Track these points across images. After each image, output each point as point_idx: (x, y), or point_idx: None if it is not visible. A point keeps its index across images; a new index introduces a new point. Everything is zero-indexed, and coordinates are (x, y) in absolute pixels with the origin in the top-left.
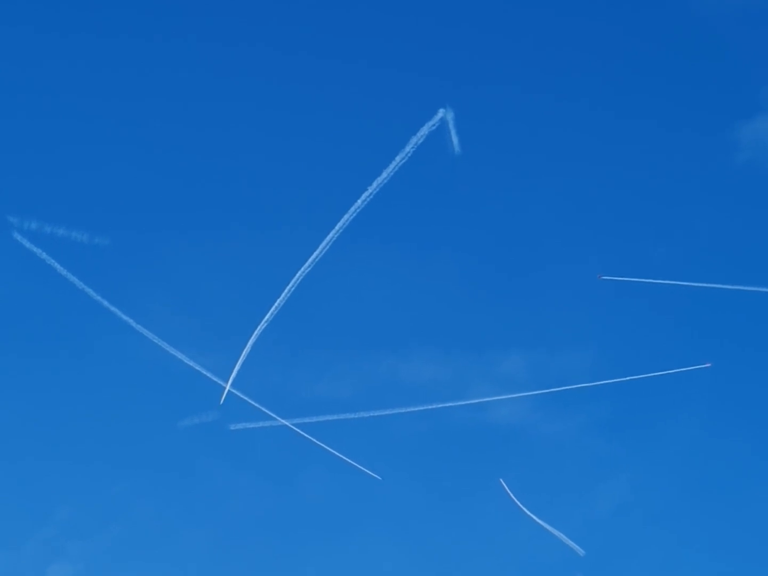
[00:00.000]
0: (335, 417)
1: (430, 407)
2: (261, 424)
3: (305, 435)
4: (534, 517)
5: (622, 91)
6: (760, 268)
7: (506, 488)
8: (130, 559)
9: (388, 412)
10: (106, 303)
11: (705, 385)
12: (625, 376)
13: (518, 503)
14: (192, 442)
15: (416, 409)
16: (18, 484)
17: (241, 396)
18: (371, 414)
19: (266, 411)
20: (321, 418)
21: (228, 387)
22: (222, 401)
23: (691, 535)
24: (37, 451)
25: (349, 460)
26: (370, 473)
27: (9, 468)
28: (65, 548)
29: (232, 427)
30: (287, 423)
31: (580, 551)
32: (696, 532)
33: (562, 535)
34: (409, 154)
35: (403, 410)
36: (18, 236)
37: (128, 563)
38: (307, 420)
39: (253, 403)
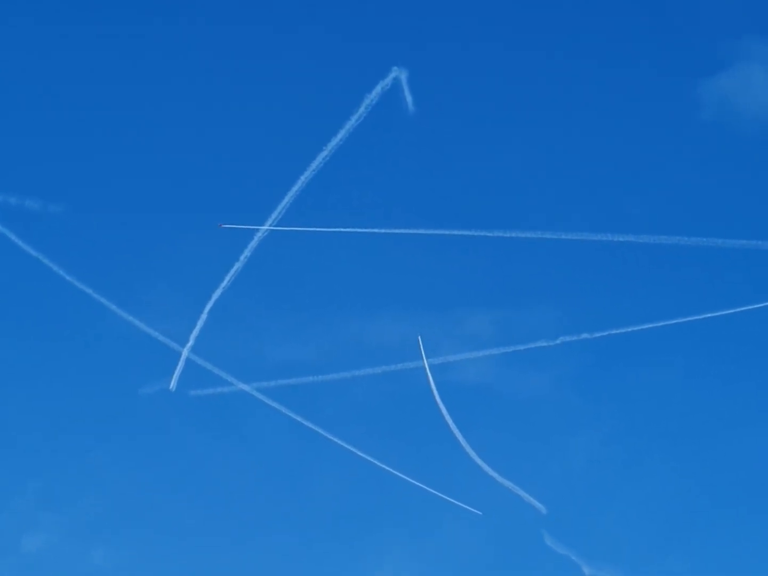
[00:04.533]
0: (300, 380)
1: (396, 368)
2: (220, 389)
3: (265, 399)
4: (495, 475)
5: (579, 49)
6: (726, 222)
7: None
8: (104, 528)
9: (354, 373)
10: (62, 272)
11: (675, 338)
12: (594, 332)
13: (481, 462)
14: (155, 409)
15: (382, 370)
16: None
17: (200, 361)
18: (337, 376)
19: (225, 376)
20: (285, 382)
21: (185, 353)
22: (179, 370)
23: (662, 487)
24: (3, 423)
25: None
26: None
27: None
28: (38, 519)
29: (192, 393)
30: (246, 387)
31: (542, 509)
32: (667, 484)
33: (524, 492)
34: (363, 115)
35: (369, 371)
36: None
37: (102, 533)
38: (272, 383)
39: (211, 368)
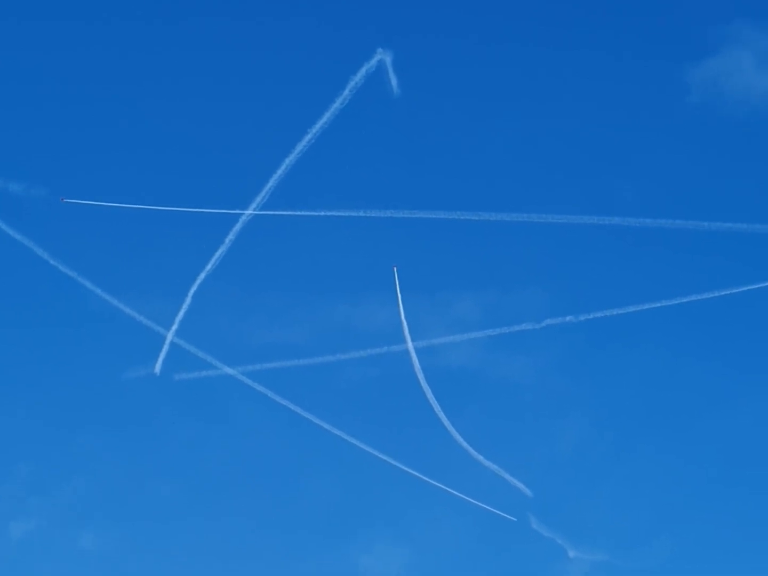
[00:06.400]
0: (285, 364)
1: (382, 351)
2: (205, 373)
3: (250, 383)
4: (481, 458)
5: (568, 33)
6: (712, 205)
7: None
8: (92, 512)
9: (339, 357)
10: (46, 256)
11: (661, 321)
12: (579, 315)
13: (466, 446)
14: (140, 393)
15: (368, 353)
16: None
17: (185, 345)
18: (323, 360)
19: (210, 360)
20: (271, 365)
21: (170, 337)
22: (163, 354)
23: (648, 470)
24: None
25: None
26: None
27: None
28: (26, 504)
29: (177, 376)
30: (231, 371)
31: (528, 492)
32: (653, 467)
33: (510, 476)
34: (348, 98)
35: (355, 355)
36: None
37: (90, 517)
38: (257, 367)
39: (196, 351)
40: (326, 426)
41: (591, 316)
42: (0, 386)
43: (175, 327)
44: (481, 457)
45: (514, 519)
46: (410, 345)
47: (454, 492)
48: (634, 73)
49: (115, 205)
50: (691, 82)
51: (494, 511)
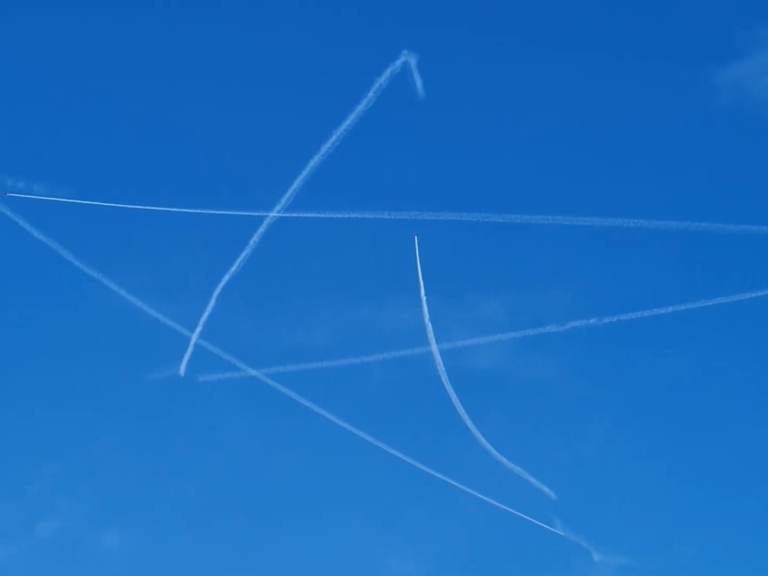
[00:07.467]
0: (310, 366)
1: (407, 353)
2: (230, 375)
3: (275, 385)
4: (505, 461)
5: (595, 36)
6: (738, 208)
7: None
8: (118, 512)
9: (364, 359)
10: (70, 257)
11: (685, 324)
12: (603, 318)
13: (490, 448)
14: (165, 395)
15: (393, 355)
16: (2, 442)
17: (209, 347)
18: (347, 362)
19: (235, 361)
20: (295, 367)
21: (194, 338)
22: (188, 355)
23: (672, 473)
24: (17, 409)
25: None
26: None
27: None
28: (52, 504)
29: (201, 378)
30: (256, 373)
31: (552, 495)
32: (677, 469)
33: (534, 479)
34: (372, 100)
35: (379, 357)
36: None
37: (117, 516)
38: (282, 369)
39: (220, 353)
40: (350, 428)
41: (615, 318)
42: (25, 387)
43: (199, 329)
44: (504, 460)
45: (540, 523)
46: (434, 347)
47: (478, 495)
48: (662, 76)
49: (140, 208)
50: (719, 85)
51: (518, 514)
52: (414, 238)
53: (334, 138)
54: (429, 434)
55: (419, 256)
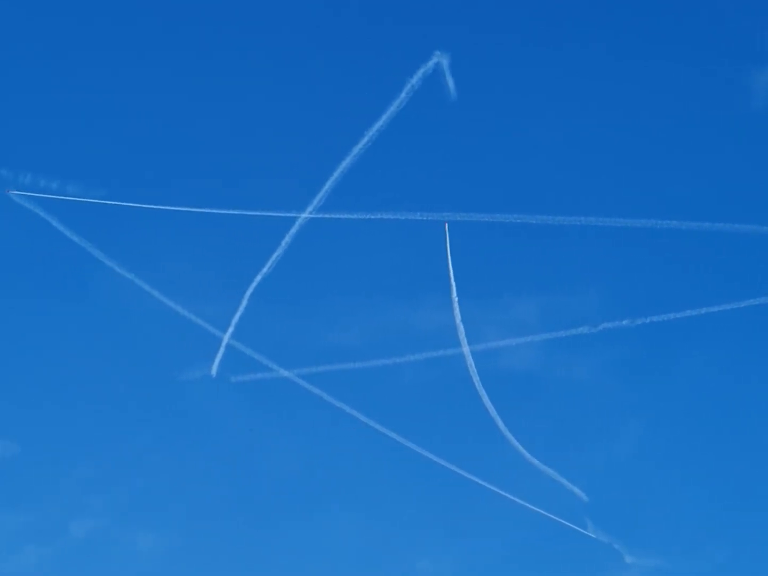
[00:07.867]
0: (342, 366)
1: (439, 354)
2: (262, 375)
3: (307, 386)
4: (537, 462)
5: (630, 37)
6: None
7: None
8: (152, 511)
9: (396, 360)
10: (103, 257)
11: (718, 325)
12: (636, 319)
13: (522, 449)
14: (197, 395)
15: (425, 356)
16: (36, 442)
17: (241, 347)
18: (380, 363)
19: (267, 362)
20: (328, 368)
21: (227, 339)
22: (220, 356)
23: (705, 475)
24: (51, 409)
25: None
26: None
27: (27, 427)
28: (87, 503)
29: (234, 378)
30: (288, 374)
31: (584, 497)
32: (710, 472)
33: (566, 480)
34: (405, 101)
35: (412, 358)
36: (12, 191)
37: (150, 516)
38: (314, 370)
39: (253, 354)
40: (381, 429)
41: (648, 319)
42: (60, 387)
43: (231, 329)
44: (536, 461)
45: (571, 524)
46: (466, 348)
47: (510, 496)
48: (698, 78)
49: (173, 209)
50: (755, 86)
51: (550, 516)
52: (444, 225)
53: (366, 139)
54: (460, 436)
55: (450, 247)
